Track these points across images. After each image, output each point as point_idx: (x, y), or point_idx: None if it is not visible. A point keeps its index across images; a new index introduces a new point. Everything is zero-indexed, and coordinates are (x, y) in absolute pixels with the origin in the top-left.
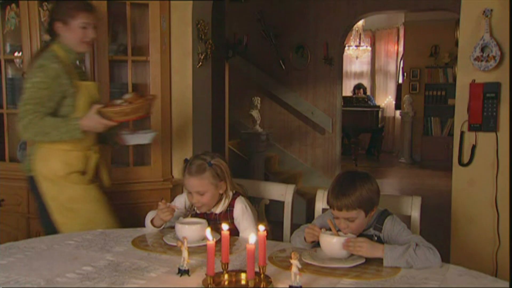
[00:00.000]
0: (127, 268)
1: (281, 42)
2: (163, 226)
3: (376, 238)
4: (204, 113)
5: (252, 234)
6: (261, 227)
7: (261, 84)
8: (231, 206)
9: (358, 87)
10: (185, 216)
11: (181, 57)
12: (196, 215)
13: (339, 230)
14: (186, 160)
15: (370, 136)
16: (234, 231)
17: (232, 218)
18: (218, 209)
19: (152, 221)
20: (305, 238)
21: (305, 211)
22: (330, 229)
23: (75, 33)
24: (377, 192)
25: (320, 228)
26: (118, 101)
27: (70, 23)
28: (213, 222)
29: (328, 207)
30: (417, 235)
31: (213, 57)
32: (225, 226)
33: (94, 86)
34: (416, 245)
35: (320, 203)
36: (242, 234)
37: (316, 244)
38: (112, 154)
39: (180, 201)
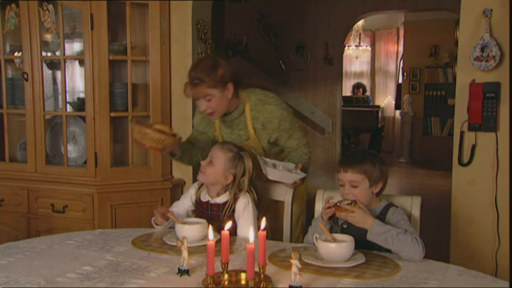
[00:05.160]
0: (127, 268)
1: (281, 42)
2: (166, 225)
3: None
4: None
5: (251, 230)
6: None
7: (261, 84)
8: (235, 198)
9: (358, 86)
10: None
11: (181, 57)
12: (199, 204)
13: (335, 232)
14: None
15: (370, 136)
16: (233, 227)
17: (233, 211)
18: (222, 199)
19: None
20: (322, 217)
21: (305, 211)
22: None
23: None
24: (384, 172)
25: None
26: (156, 126)
27: None
28: (215, 213)
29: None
30: (413, 229)
31: None
32: (226, 225)
33: None
34: (406, 231)
35: (320, 203)
36: (238, 230)
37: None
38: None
39: (185, 200)
